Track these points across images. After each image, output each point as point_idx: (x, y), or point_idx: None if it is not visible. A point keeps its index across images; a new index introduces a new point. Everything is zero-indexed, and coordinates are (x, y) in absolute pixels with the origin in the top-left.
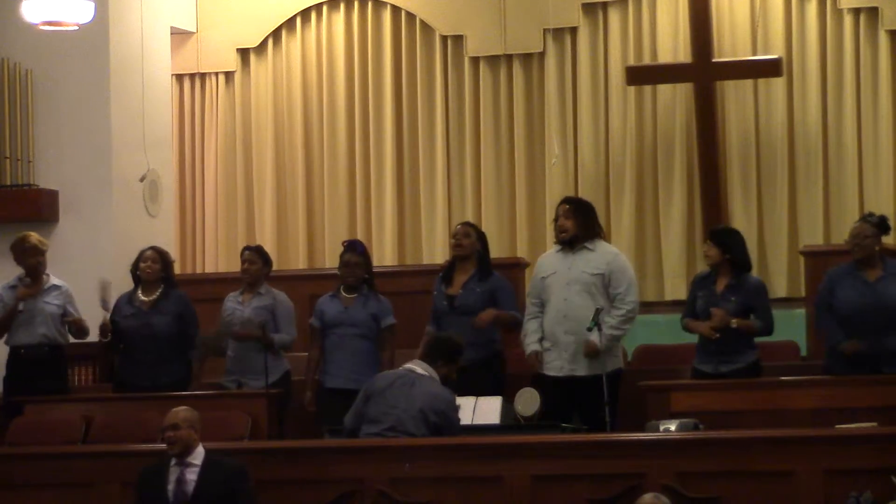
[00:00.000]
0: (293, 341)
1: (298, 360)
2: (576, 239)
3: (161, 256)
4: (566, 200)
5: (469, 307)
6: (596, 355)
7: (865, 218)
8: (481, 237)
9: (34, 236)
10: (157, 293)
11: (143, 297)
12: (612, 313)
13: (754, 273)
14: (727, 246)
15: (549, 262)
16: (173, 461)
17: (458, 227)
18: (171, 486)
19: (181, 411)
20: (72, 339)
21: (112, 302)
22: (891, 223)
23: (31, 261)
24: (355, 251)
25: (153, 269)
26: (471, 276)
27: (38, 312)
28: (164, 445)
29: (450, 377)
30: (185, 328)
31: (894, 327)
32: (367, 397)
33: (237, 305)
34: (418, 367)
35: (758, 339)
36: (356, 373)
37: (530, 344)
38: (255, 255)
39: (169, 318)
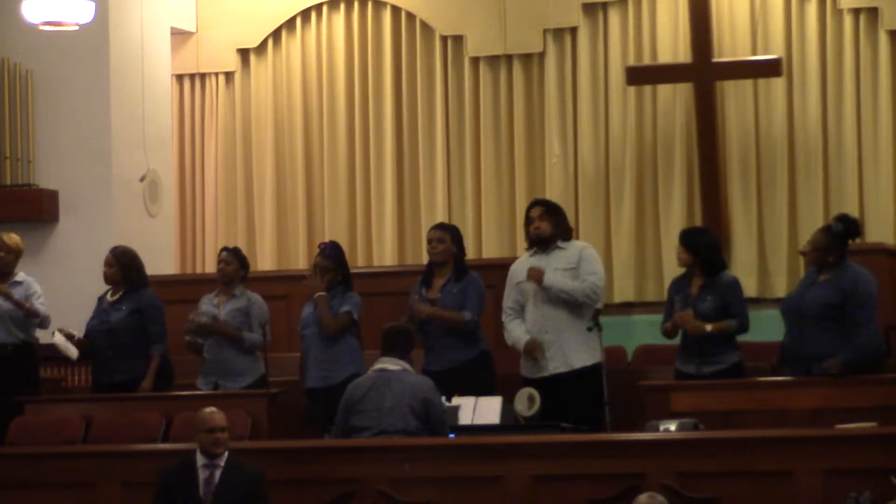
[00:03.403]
0: (264, 343)
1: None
2: (551, 239)
3: (116, 258)
4: (538, 202)
5: (448, 309)
6: (539, 280)
7: (830, 226)
8: (455, 237)
9: (5, 234)
10: (120, 293)
11: (108, 298)
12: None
13: (752, 273)
14: (696, 248)
15: (524, 267)
16: (202, 461)
17: (431, 231)
18: (201, 487)
19: (219, 412)
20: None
21: (73, 349)
22: (860, 225)
23: None
24: (324, 254)
25: (110, 273)
26: (448, 278)
27: None
28: (166, 445)
29: (412, 361)
30: (145, 324)
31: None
32: (348, 409)
33: (212, 307)
34: (389, 364)
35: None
36: (326, 370)
37: (521, 336)
38: (232, 256)
39: (124, 313)
